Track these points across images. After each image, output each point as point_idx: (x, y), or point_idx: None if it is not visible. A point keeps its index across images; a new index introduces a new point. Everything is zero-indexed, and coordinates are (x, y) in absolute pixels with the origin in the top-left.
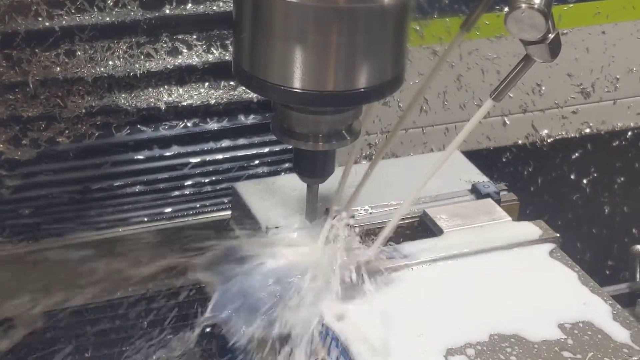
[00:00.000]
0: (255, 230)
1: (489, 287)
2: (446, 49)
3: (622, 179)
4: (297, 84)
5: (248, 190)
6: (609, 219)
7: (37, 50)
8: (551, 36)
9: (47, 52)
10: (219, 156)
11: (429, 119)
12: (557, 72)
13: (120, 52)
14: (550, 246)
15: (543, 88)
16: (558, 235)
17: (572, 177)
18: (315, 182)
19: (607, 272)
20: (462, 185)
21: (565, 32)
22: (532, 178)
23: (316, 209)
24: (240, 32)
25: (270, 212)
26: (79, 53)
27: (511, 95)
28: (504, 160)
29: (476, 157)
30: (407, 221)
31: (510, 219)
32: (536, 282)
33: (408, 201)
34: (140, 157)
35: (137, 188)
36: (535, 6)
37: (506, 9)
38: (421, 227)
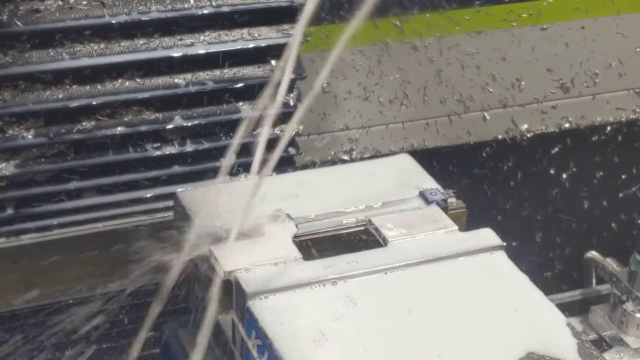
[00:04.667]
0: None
1: (433, 300)
2: None
3: (601, 173)
4: None
5: (191, 198)
6: (588, 214)
7: None
8: None
9: None
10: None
11: (409, 114)
12: (537, 67)
13: None
14: (497, 255)
15: (523, 83)
16: (505, 244)
17: (552, 171)
18: None
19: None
20: (410, 192)
21: (545, 27)
22: (511, 173)
23: None
24: None
25: (212, 219)
26: None
27: (491, 90)
28: (484, 155)
29: (456, 152)
30: (352, 230)
31: (457, 227)
32: (481, 295)
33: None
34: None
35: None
36: None
37: None
38: (366, 237)
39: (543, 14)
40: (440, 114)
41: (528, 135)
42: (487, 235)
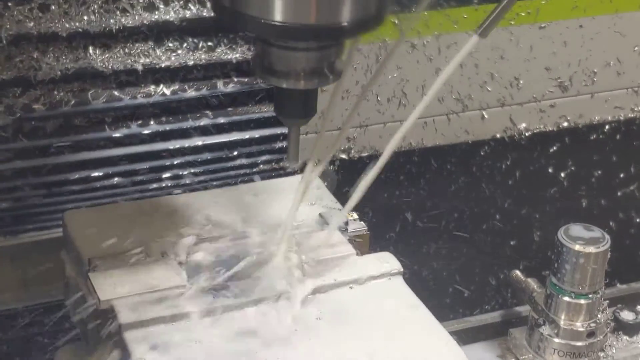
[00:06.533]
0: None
1: (324, 328)
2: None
3: (599, 172)
4: (277, 16)
5: (76, 219)
6: (587, 212)
7: (10, 3)
8: None
9: (21, 6)
10: (199, 142)
11: (408, 113)
12: (535, 66)
13: (96, 6)
14: (394, 281)
15: (521, 82)
16: (402, 269)
17: (550, 170)
18: (296, 124)
19: None
20: (311, 214)
21: (543, 25)
22: (510, 172)
23: (297, 152)
24: None
25: (96, 242)
26: (53, 7)
27: (489, 89)
28: (482, 154)
29: (455, 151)
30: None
31: (354, 252)
32: (376, 322)
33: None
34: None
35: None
36: None
37: None
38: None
39: (541, 13)
40: (438, 113)
41: (526, 134)
42: (385, 260)
